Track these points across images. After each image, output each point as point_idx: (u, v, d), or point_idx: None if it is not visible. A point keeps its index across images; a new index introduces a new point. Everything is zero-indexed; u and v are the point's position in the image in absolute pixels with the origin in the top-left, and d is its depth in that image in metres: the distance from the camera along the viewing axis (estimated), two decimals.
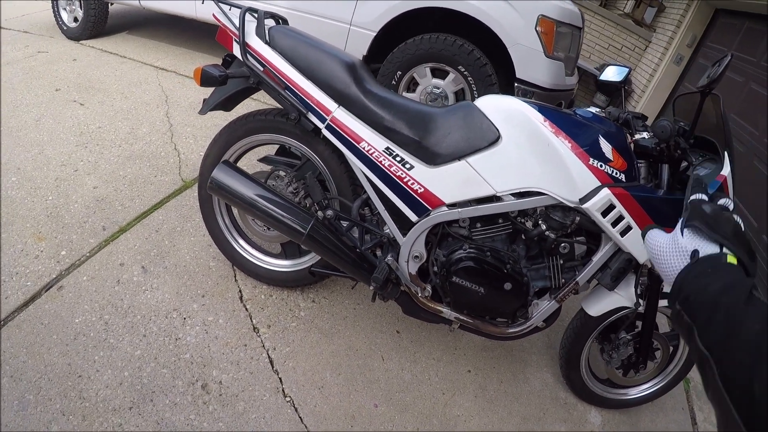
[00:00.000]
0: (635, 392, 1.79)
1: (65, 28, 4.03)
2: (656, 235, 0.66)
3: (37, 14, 4.75)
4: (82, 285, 1.66)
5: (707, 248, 0.56)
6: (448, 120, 1.33)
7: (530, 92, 2.78)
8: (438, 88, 2.95)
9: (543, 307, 1.43)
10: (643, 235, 0.70)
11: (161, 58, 3.84)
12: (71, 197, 2.05)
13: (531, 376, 1.80)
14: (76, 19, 3.97)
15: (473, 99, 2.75)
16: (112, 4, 4.03)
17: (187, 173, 2.37)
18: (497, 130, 1.28)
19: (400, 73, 2.97)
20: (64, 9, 4.03)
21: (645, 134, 1.32)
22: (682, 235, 0.60)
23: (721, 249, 0.55)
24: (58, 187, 2.10)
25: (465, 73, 2.82)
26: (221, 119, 1.71)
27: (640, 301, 1.43)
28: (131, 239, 1.88)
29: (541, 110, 1.29)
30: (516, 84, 2.82)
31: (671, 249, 0.60)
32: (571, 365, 1.70)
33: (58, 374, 1.39)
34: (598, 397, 1.77)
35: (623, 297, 1.47)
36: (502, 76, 2.93)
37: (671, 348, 1.70)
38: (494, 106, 1.31)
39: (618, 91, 5.17)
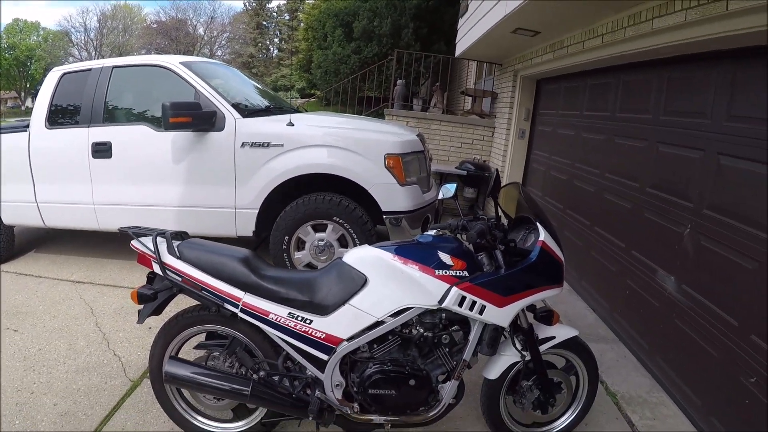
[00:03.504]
0: (561, 423, 2.34)
1: None
2: None
3: None
4: None
5: None
6: (326, 279, 1.95)
7: (399, 218, 3.52)
8: (322, 240, 3.67)
9: (448, 387, 2.01)
10: None
11: (74, 271, 4.33)
12: (36, 417, 2.43)
13: None
14: None
15: (353, 241, 3.51)
16: (14, 227, 4.50)
17: (132, 373, 2.82)
18: (363, 274, 1.91)
19: (287, 237, 3.66)
20: None
21: None
22: None
23: None
24: (20, 411, 2.47)
25: (340, 221, 3.55)
26: (149, 320, 2.20)
27: (523, 353, 2.05)
28: None
29: (392, 249, 1.93)
30: (384, 216, 3.57)
31: None
32: (497, 424, 2.25)
33: None
34: None
35: (510, 355, 2.08)
36: (374, 210, 3.64)
37: (572, 378, 2.30)
38: (356, 257, 1.95)
39: (481, 180, 6.22)
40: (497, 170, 2.04)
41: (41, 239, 5.23)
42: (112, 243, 4.99)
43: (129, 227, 2.11)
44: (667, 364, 2.80)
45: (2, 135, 4.17)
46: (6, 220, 4.34)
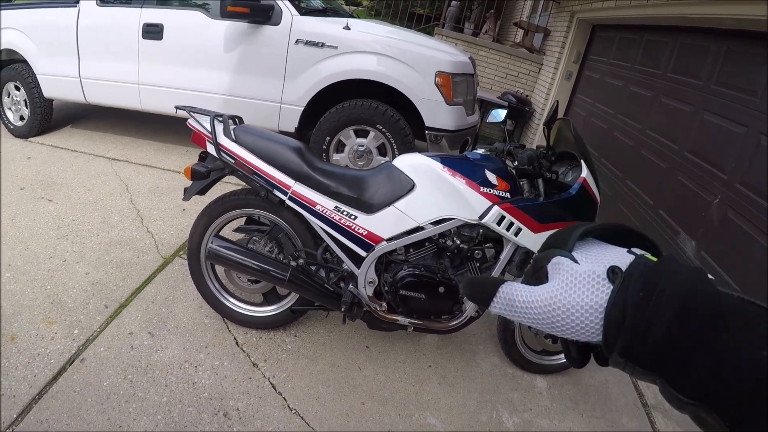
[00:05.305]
0: None
1: (11, 127, 4.59)
2: (522, 288, 0.48)
3: None
4: (101, 355, 2.20)
5: (619, 258, 0.44)
6: (375, 179, 2.05)
7: (440, 136, 3.61)
8: (362, 146, 3.78)
9: None
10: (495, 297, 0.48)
11: (110, 149, 4.46)
12: (68, 284, 2.59)
13: (481, 361, 2.50)
14: (22, 118, 4.53)
15: (393, 151, 3.59)
16: (53, 101, 4.60)
17: (164, 251, 2.97)
18: (412, 180, 2.01)
19: (328, 138, 3.76)
20: (9, 109, 4.61)
21: None
22: (576, 262, 0.46)
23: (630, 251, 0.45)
24: (52, 278, 2.63)
25: (383, 130, 3.64)
26: (184, 203, 2.31)
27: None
28: (133, 312, 2.46)
29: (441, 160, 2.03)
30: (426, 131, 3.66)
31: (572, 289, 0.44)
32: (509, 345, 2.42)
33: (102, 428, 1.90)
34: (538, 365, 2.48)
35: None
36: (415, 125, 3.74)
37: None
38: (406, 163, 2.05)
39: (521, 114, 6.30)
40: (557, 101, 2.12)
41: (79, 115, 5.34)
42: (148, 124, 5.09)
43: (185, 106, 2.19)
44: None
45: (51, 9, 4.22)
46: (46, 94, 4.42)
